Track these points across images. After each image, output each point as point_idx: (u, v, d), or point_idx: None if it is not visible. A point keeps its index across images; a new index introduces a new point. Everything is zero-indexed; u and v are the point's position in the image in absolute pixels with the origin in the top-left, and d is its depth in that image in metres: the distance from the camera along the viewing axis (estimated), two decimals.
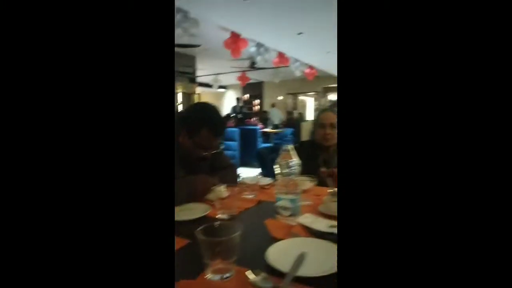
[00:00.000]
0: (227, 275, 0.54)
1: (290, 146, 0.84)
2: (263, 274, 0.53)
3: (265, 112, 8.65)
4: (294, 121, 8.32)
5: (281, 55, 4.98)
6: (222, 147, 1.37)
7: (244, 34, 4.23)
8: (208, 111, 1.19)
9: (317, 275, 0.51)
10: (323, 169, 1.04)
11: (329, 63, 6.16)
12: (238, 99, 9.24)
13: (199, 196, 1.07)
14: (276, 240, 0.71)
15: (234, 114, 8.21)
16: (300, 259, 0.47)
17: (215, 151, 1.24)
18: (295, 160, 0.84)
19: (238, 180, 1.24)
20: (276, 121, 8.11)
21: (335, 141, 1.49)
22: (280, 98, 10.48)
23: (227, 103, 9.26)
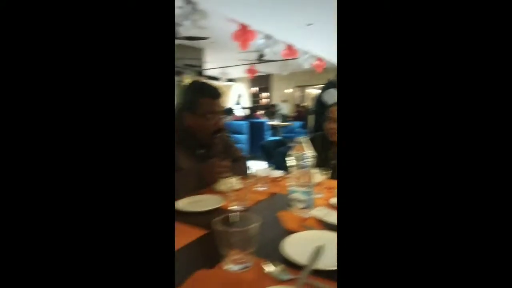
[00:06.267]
0: (246, 265, 0.55)
1: (303, 139, 0.84)
2: (280, 266, 0.54)
3: (273, 105, 8.60)
4: (302, 114, 8.26)
5: (290, 47, 4.92)
6: (232, 139, 1.38)
7: (252, 25, 4.18)
8: (202, 83, 1.27)
9: (334, 268, 0.52)
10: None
11: None
12: (239, 95, 9.27)
13: (209, 183, 1.08)
14: (290, 232, 0.72)
15: (238, 108, 8.22)
16: (317, 252, 0.48)
17: (224, 133, 1.29)
18: (309, 153, 0.83)
19: (248, 172, 1.25)
20: (285, 113, 8.08)
21: None
22: (289, 91, 10.38)
23: (233, 96, 9.24)
